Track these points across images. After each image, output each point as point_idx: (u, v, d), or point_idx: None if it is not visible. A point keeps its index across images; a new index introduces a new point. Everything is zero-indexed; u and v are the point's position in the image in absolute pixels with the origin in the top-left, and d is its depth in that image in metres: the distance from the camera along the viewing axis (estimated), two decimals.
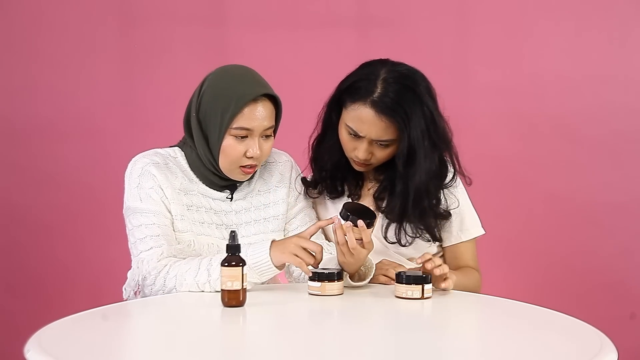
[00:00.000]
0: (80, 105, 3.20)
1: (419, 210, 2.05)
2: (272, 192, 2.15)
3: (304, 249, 1.86)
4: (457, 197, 2.12)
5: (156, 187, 2.01)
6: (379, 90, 2.01)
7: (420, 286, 1.84)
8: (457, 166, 2.12)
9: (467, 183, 2.15)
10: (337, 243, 1.89)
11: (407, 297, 1.84)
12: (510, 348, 1.53)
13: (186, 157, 2.09)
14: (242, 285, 1.75)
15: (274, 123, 2.05)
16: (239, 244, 1.76)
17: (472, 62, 3.07)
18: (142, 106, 3.18)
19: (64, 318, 1.67)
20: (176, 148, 2.13)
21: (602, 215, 3.01)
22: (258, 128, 2.00)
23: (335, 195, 2.18)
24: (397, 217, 2.07)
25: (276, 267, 1.89)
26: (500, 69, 3.05)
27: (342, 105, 2.08)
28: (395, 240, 2.07)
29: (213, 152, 2.03)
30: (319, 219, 2.20)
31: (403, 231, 2.07)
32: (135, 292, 2.02)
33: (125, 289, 2.02)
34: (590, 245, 3.01)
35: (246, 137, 2.00)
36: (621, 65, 3.00)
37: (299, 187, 2.19)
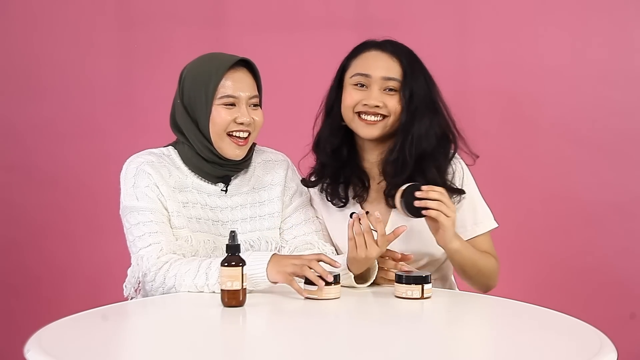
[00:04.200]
0: (80, 105, 3.20)
1: (420, 153, 2.06)
2: (267, 190, 2.15)
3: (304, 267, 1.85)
4: (467, 189, 2.11)
5: (152, 185, 2.03)
6: (381, 40, 2.13)
7: (420, 286, 1.84)
8: (458, 138, 2.13)
9: (473, 159, 2.15)
10: (354, 235, 1.89)
11: (407, 297, 1.84)
12: (510, 348, 1.53)
13: (179, 154, 2.11)
14: (242, 285, 1.75)
15: (257, 93, 2.09)
16: (239, 244, 1.77)
17: (472, 62, 3.07)
18: (142, 106, 3.18)
19: (64, 318, 1.67)
20: (169, 147, 2.15)
21: (602, 215, 3.01)
22: (243, 96, 2.05)
23: (338, 201, 2.15)
24: (399, 168, 2.07)
25: (271, 282, 1.89)
26: (500, 69, 3.05)
27: (344, 71, 2.14)
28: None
29: (203, 132, 2.05)
30: (318, 218, 2.21)
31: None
32: (136, 289, 2.03)
33: (125, 286, 2.03)
34: (590, 245, 3.01)
35: (233, 105, 2.04)
36: (621, 65, 3.00)
37: (295, 185, 2.19)
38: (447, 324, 1.78)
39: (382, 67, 2.09)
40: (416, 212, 1.91)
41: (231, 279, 1.74)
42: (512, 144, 3.02)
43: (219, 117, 2.03)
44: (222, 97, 2.03)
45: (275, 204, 2.15)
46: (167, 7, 3.18)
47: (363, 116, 2.09)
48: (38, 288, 3.21)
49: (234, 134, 2.04)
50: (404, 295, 1.85)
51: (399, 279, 1.87)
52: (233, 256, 1.76)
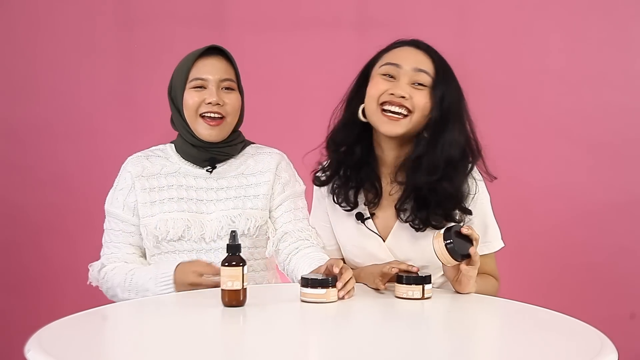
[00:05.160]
0: (80, 105, 3.20)
1: (448, 159, 2.01)
2: (257, 176, 2.21)
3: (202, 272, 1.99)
4: (478, 204, 2.08)
5: (125, 188, 2.17)
6: (415, 39, 2.10)
7: (421, 286, 1.84)
8: (479, 157, 2.10)
9: (489, 180, 2.11)
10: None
11: (408, 297, 1.84)
12: (510, 348, 1.53)
13: (175, 146, 2.23)
14: (243, 285, 1.75)
15: (231, 77, 2.17)
16: (239, 244, 1.76)
17: (472, 62, 3.07)
18: (142, 106, 3.18)
19: (64, 318, 1.67)
20: (168, 143, 2.26)
21: (602, 215, 3.01)
22: (212, 78, 2.14)
23: (346, 205, 2.12)
24: (429, 169, 2.02)
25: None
26: (499, 69, 3.05)
27: (373, 65, 2.09)
28: (422, 225, 2.03)
29: (183, 117, 2.16)
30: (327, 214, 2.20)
31: (427, 210, 2.03)
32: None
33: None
34: (590, 245, 3.01)
35: (203, 88, 2.14)
36: (621, 65, 3.00)
37: (287, 175, 2.21)
38: (447, 324, 1.78)
39: (414, 60, 2.04)
40: (462, 255, 1.87)
41: (231, 279, 1.74)
42: (511, 144, 3.02)
43: (191, 100, 2.14)
44: (191, 81, 2.14)
45: (261, 187, 2.19)
46: (167, 7, 3.18)
47: (387, 107, 2.01)
48: (38, 288, 3.22)
49: (206, 114, 2.14)
50: (404, 296, 1.85)
51: (400, 280, 1.87)
52: (233, 256, 1.76)
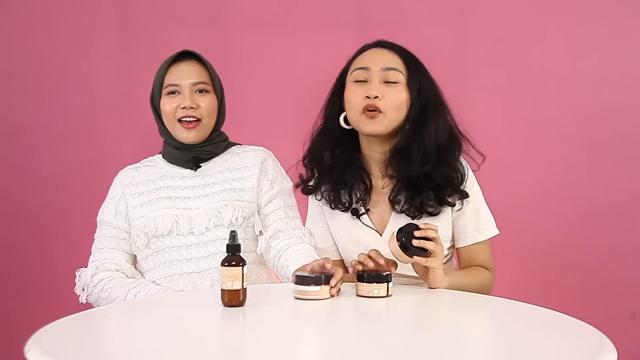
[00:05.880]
0: (80, 105, 3.20)
1: (439, 147, 2.05)
2: (242, 170, 2.23)
3: None
4: (471, 193, 2.10)
5: (116, 197, 2.21)
6: (379, 40, 2.14)
7: (386, 284, 1.84)
8: (462, 140, 2.12)
9: (478, 164, 2.13)
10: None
11: (373, 295, 1.84)
12: (510, 348, 1.53)
13: (162, 154, 2.28)
14: (242, 285, 1.75)
15: (205, 80, 2.20)
16: (239, 244, 1.77)
17: (472, 62, 3.07)
18: (142, 106, 3.16)
19: (64, 318, 1.67)
20: (157, 154, 2.31)
21: (602, 215, 3.01)
22: (185, 83, 2.19)
23: (341, 207, 2.14)
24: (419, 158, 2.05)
25: None
26: (499, 70, 3.05)
27: (345, 74, 2.13)
28: (417, 212, 2.05)
29: (163, 123, 2.22)
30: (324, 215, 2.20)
31: (420, 197, 2.05)
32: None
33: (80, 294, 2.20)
34: (590, 245, 3.01)
35: (177, 93, 2.19)
36: (621, 65, 3.00)
37: (274, 172, 2.22)
38: (446, 323, 1.78)
39: (382, 60, 2.09)
40: (413, 252, 1.89)
41: (231, 278, 1.74)
42: (511, 144, 3.02)
43: (167, 106, 2.20)
44: (165, 87, 2.20)
45: (247, 180, 2.21)
46: (167, 7, 3.18)
47: (368, 110, 2.06)
48: (38, 288, 3.21)
49: (183, 119, 2.18)
50: (370, 295, 1.85)
51: (361, 278, 1.87)
52: (233, 256, 1.76)
